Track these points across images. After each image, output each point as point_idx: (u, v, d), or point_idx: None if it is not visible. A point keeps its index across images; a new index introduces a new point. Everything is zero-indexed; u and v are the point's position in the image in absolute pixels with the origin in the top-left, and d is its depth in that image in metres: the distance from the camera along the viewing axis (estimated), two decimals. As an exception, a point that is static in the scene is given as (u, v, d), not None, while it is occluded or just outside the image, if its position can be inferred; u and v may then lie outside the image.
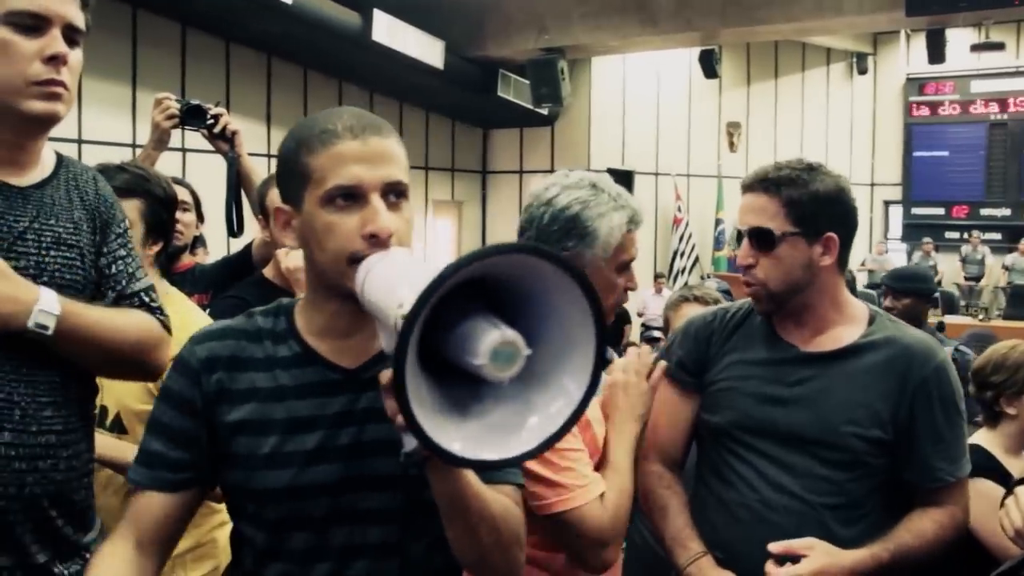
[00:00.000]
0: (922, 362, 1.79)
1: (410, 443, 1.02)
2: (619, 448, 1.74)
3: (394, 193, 1.23)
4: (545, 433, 1.01)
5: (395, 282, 1.05)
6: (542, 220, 1.75)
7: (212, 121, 2.77)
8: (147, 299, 1.74)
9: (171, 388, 1.32)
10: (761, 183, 1.83)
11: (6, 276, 1.50)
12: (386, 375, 1.01)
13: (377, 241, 1.18)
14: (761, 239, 1.81)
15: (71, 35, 1.57)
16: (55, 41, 1.53)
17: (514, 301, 1.02)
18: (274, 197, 2.49)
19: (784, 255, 1.80)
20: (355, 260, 1.18)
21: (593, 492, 1.62)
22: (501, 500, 1.21)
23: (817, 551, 1.70)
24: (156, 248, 2.20)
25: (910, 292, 4.20)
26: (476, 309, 0.98)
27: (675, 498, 1.94)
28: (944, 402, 1.79)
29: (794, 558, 1.70)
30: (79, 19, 1.58)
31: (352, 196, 1.20)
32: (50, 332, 1.51)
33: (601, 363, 1.01)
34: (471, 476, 1.14)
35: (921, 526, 1.78)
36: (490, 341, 0.94)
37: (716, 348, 1.93)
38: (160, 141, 2.77)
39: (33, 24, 1.52)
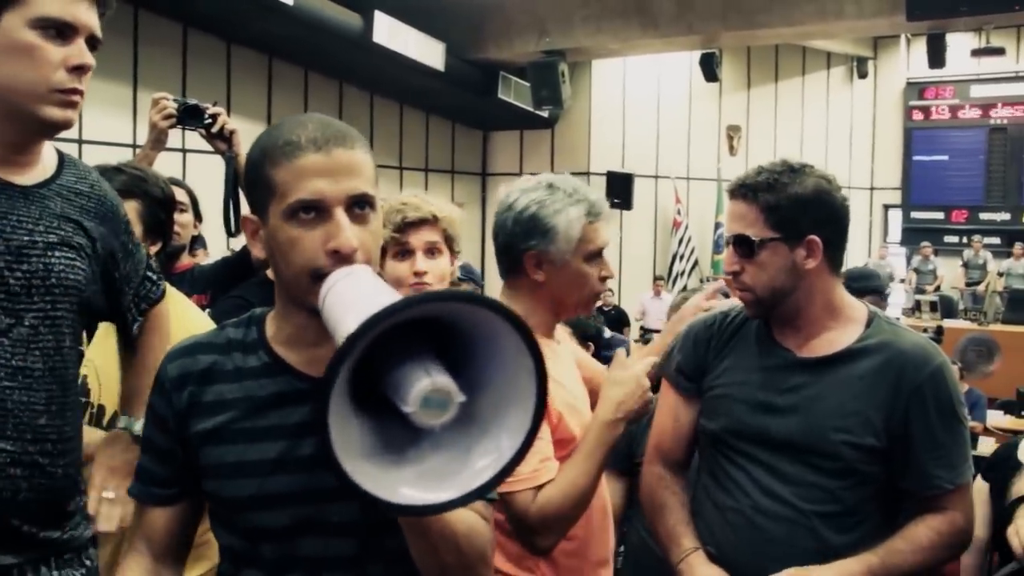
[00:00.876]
0: (916, 368, 1.76)
1: None
2: (587, 443, 1.76)
3: (359, 205, 1.20)
4: (477, 482, 0.99)
5: (349, 306, 1.04)
6: (506, 225, 1.85)
7: (210, 121, 2.76)
8: (153, 275, 1.87)
9: (152, 407, 1.34)
10: (740, 189, 1.82)
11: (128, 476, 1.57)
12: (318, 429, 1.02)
13: (340, 257, 1.16)
14: (742, 246, 1.81)
15: (92, 44, 1.58)
16: (83, 52, 1.54)
17: (464, 344, 1.00)
18: None
19: (766, 261, 1.78)
20: (318, 276, 1.16)
21: (532, 481, 1.68)
22: (467, 519, 1.19)
23: None
24: (155, 248, 2.22)
25: (868, 291, 4.18)
26: (421, 351, 0.97)
27: (673, 497, 1.94)
28: (941, 408, 1.75)
29: None
30: (99, 30, 1.59)
31: (315, 210, 1.18)
32: None
33: (539, 421, 0.99)
34: None
35: (916, 534, 1.75)
36: (420, 388, 0.93)
37: (714, 353, 1.91)
38: (158, 141, 2.77)
39: (60, 31, 1.52)
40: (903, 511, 1.81)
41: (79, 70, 1.54)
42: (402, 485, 0.98)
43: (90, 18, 1.56)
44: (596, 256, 1.86)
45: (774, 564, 1.71)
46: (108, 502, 1.72)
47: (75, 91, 1.55)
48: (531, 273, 1.83)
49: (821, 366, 1.80)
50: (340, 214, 1.17)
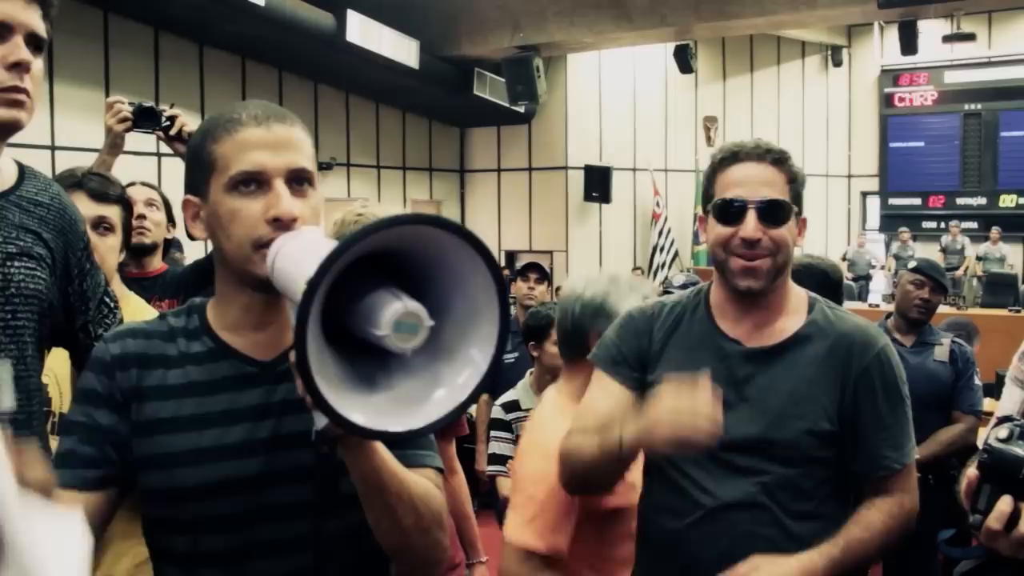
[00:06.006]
0: (863, 350, 1.75)
1: (321, 420, 1.04)
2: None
3: (298, 180, 1.23)
4: (451, 405, 1.03)
5: (301, 257, 1.05)
6: (574, 310, 2.07)
7: (168, 123, 2.72)
8: (111, 301, 1.83)
9: (87, 387, 1.29)
10: (768, 154, 1.76)
11: None
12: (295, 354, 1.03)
13: (280, 225, 1.19)
14: (776, 213, 1.73)
15: (33, 43, 1.55)
16: (19, 48, 1.52)
17: (422, 275, 1.03)
18: None
19: (788, 230, 1.75)
20: (260, 245, 1.19)
21: None
22: (421, 482, 1.22)
23: (762, 570, 1.64)
24: (122, 254, 2.22)
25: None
26: (383, 284, 1.00)
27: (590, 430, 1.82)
28: (887, 389, 1.76)
29: None
30: (41, 28, 1.56)
31: (256, 182, 1.21)
32: None
33: (506, 330, 1.03)
34: (387, 456, 1.14)
35: (870, 518, 1.74)
36: (392, 312, 0.95)
37: (657, 345, 1.85)
38: (114, 146, 2.74)
39: None
40: (851, 494, 1.80)
41: (17, 67, 1.52)
42: (381, 414, 1.00)
43: (27, 16, 1.53)
44: None
45: (739, 554, 1.68)
46: None
47: (17, 89, 1.52)
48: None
49: (770, 355, 1.77)
50: (280, 184, 1.21)
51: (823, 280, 2.87)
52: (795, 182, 1.78)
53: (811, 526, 1.73)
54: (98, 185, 2.13)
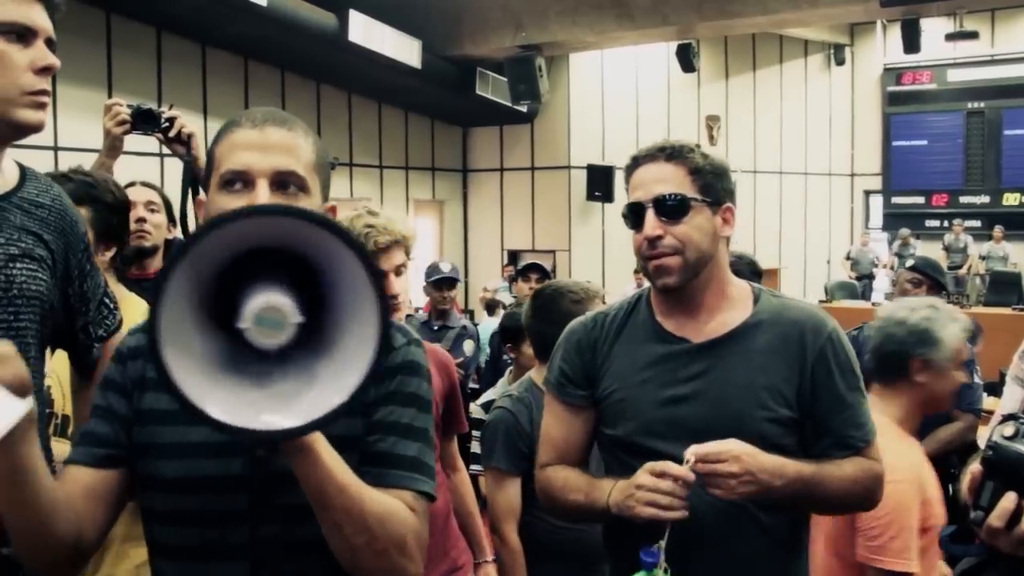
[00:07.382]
0: (816, 334, 1.75)
1: None
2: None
3: (287, 185, 1.23)
4: (328, 406, 0.97)
5: None
6: (899, 335, 2.21)
7: (167, 125, 2.72)
8: (110, 302, 1.84)
9: (107, 376, 1.35)
10: (661, 152, 1.77)
11: None
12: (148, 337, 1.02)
13: None
14: (673, 206, 1.73)
15: (49, 47, 1.60)
16: (46, 53, 1.57)
17: (315, 273, 1.01)
18: None
19: (695, 223, 1.73)
20: None
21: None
22: (385, 502, 1.18)
23: (739, 446, 1.61)
24: (109, 254, 2.23)
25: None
26: (277, 280, 0.98)
27: (572, 471, 1.85)
28: (843, 369, 1.75)
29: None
30: (53, 31, 1.61)
31: (242, 181, 1.22)
32: None
33: (387, 327, 0.98)
34: (334, 469, 1.11)
35: (841, 464, 1.73)
36: (254, 306, 0.94)
37: (602, 357, 1.83)
38: (113, 148, 2.72)
39: (22, 35, 1.54)
40: None
41: (46, 71, 1.56)
42: (247, 408, 0.97)
43: (45, 20, 1.58)
44: (960, 365, 2.25)
45: (714, 550, 1.66)
46: None
47: (44, 92, 1.57)
48: (914, 376, 2.20)
49: (718, 347, 1.75)
50: (262, 185, 1.21)
51: (740, 270, 2.96)
52: (700, 173, 1.75)
53: (783, 517, 1.73)
54: (74, 188, 2.11)
